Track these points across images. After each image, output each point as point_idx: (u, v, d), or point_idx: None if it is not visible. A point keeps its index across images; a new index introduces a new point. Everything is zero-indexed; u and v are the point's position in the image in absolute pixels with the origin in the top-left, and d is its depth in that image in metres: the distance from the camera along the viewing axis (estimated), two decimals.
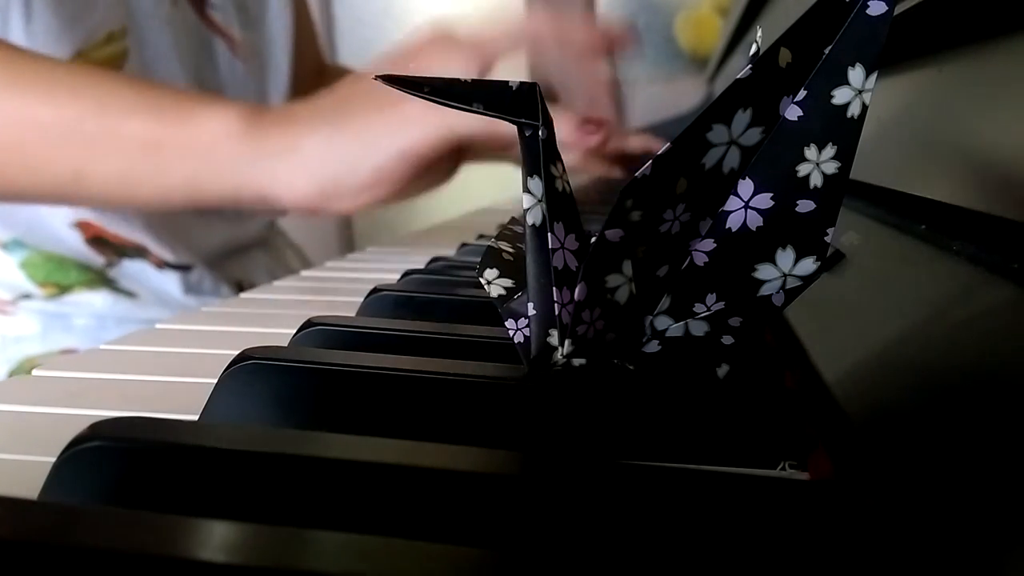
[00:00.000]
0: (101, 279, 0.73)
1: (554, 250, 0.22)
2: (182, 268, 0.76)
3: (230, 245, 0.81)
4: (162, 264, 0.75)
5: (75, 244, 0.72)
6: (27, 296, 0.72)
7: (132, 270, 0.74)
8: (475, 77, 0.18)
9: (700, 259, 0.21)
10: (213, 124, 0.50)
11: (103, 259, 0.73)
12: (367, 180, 0.51)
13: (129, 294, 0.74)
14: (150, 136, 0.50)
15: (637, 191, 0.20)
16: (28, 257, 0.71)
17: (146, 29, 0.70)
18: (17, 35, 0.63)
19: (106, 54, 0.67)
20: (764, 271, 0.21)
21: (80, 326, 0.73)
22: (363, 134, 0.50)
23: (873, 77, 0.19)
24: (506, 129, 0.45)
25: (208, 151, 0.50)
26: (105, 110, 0.50)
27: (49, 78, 0.51)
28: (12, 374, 0.71)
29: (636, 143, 0.77)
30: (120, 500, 0.16)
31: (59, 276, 0.71)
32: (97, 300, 0.72)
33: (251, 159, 0.51)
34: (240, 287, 0.79)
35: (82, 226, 0.71)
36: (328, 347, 0.28)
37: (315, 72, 0.93)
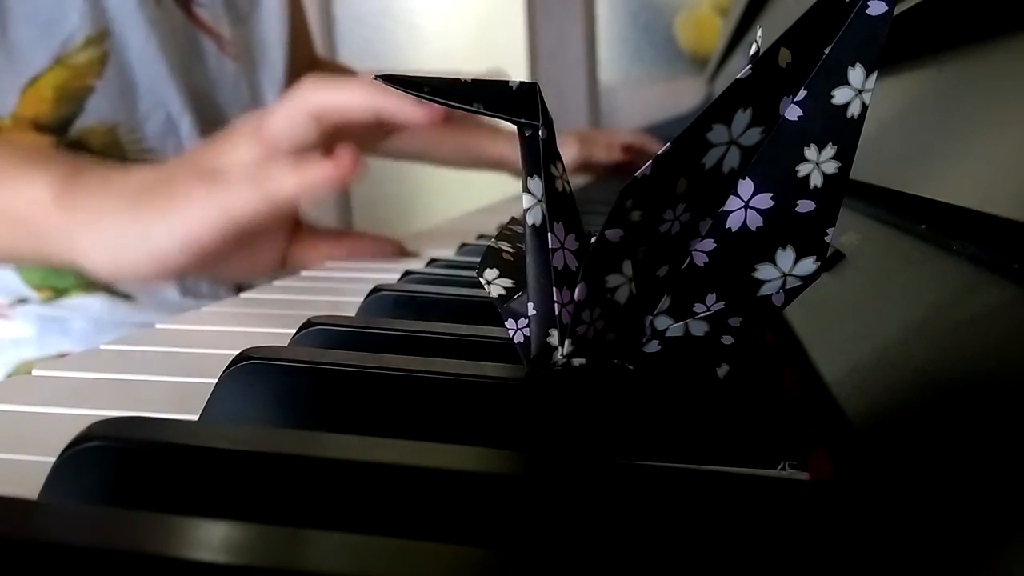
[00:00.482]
0: (97, 283, 0.72)
1: (554, 250, 0.22)
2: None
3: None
4: None
5: None
6: (23, 300, 0.71)
7: None
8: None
9: (700, 259, 0.21)
10: (28, 193, 0.52)
11: None
12: (148, 261, 0.52)
13: (126, 297, 0.74)
14: None
15: (637, 191, 0.20)
16: None
17: (128, 31, 0.70)
18: None
19: (85, 59, 0.67)
20: (764, 271, 0.21)
21: (77, 329, 0.72)
22: (147, 218, 0.52)
23: (873, 77, 0.19)
24: (285, 203, 0.49)
25: (24, 219, 0.53)
26: None
27: None
28: (8, 378, 0.71)
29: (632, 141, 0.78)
30: (120, 500, 0.16)
31: (55, 280, 0.71)
32: (94, 304, 0.72)
33: (60, 228, 0.53)
34: (239, 288, 0.79)
35: None
36: (328, 347, 0.28)
37: (308, 66, 0.92)
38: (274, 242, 0.59)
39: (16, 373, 0.71)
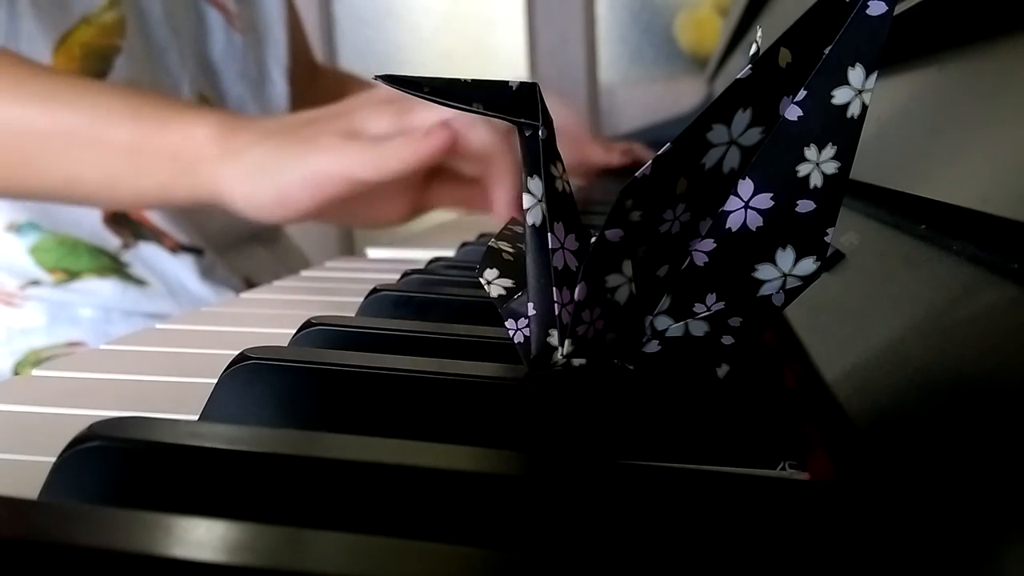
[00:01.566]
0: (112, 266, 0.73)
1: (554, 250, 0.22)
2: (196, 251, 0.76)
3: (235, 229, 0.82)
4: (176, 247, 0.75)
5: (93, 223, 0.72)
6: (35, 283, 0.72)
7: (147, 254, 0.74)
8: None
9: (700, 259, 0.21)
10: (186, 132, 0.55)
11: (119, 241, 0.73)
12: (277, 198, 0.54)
13: (140, 282, 0.74)
14: (132, 142, 0.55)
15: (637, 191, 0.20)
16: (39, 241, 0.71)
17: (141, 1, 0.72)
18: (23, 5, 0.64)
19: (109, 19, 0.69)
20: (764, 271, 0.21)
21: (87, 319, 0.73)
22: (284, 157, 0.54)
23: (873, 77, 0.19)
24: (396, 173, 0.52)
25: (178, 154, 0.55)
26: (95, 121, 0.55)
27: (47, 89, 0.56)
28: (17, 366, 0.71)
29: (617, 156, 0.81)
30: (120, 500, 0.16)
31: (69, 261, 0.72)
32: (105, 288, 0.72)
33: (210, 162, 0.55)
34: (249, 284, 0.79)
35: None
36: (328, 347, 0.28)
37: (308, 73, 0.93)
38: (399, 198, 0.61)
39: (25, 362, 0.71)
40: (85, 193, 0.59)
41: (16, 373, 0.71)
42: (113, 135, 0.55)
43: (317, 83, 0.94)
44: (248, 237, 0.85)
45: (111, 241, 0.73)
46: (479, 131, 0.56)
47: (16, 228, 0.71)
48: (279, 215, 0.55)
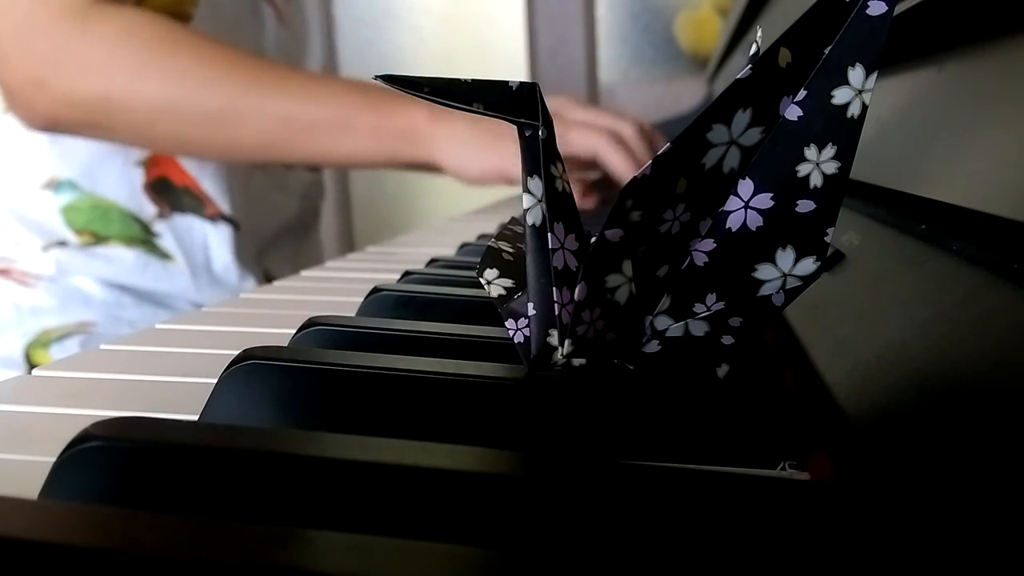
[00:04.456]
0: (141, 236, 0.75)
1: (554, 250, 0.22)
2: (234, 225, 0.78)
3: (281, 212, 0.86)
4: (217, 215, 0.77)
5: (132, 188, 0.74)
6: (61, 243, 0.73)
7: (180, 226, 0.77)
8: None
9: (700, 259, 0.21)
10: (408, 115, 0.74)
11: (155, 209, 0.75)
12: (471, 171, 0.76)
13: (164, 256, 0.76)
14: (374, 125, 0.74)
15: (637, 191, 0.20)
16: (74, 200, 0.73)
17: None
18: None
19: None
20: (764, 271, 0.21)
21: (98, 300, 0.74)
22: (480, 147, 0.75)
23: (873, 77, 0.19)
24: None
25: (403, 131, 0.75)
26: (345, 110, 0.73)
27: (302, 87, 0.73)
28: (29, 347, 0.72)
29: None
30: (120, 500, 0.16)
31: (99, 225, 0.74)
32: (128, 258, 0.75)
33: (430, 135, 0.75)
34: (268, 277, 0.81)
35: (149, 164, 0.75)
36: (328, 347, 0.28)
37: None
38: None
39: (36, 343, 0.72)
40: (336, 160, 0.79)
41: (27, 354, 0.72)
42: (359, 122, 0.74)
43: None
44: (281, 230, 0.88)
45: (147, 209, 0.75)
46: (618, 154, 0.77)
47: (55, 185, 0.73)
48: (471, 179, 0.77)
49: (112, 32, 0.67)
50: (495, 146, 0.75)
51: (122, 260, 0.75)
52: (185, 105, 0.69)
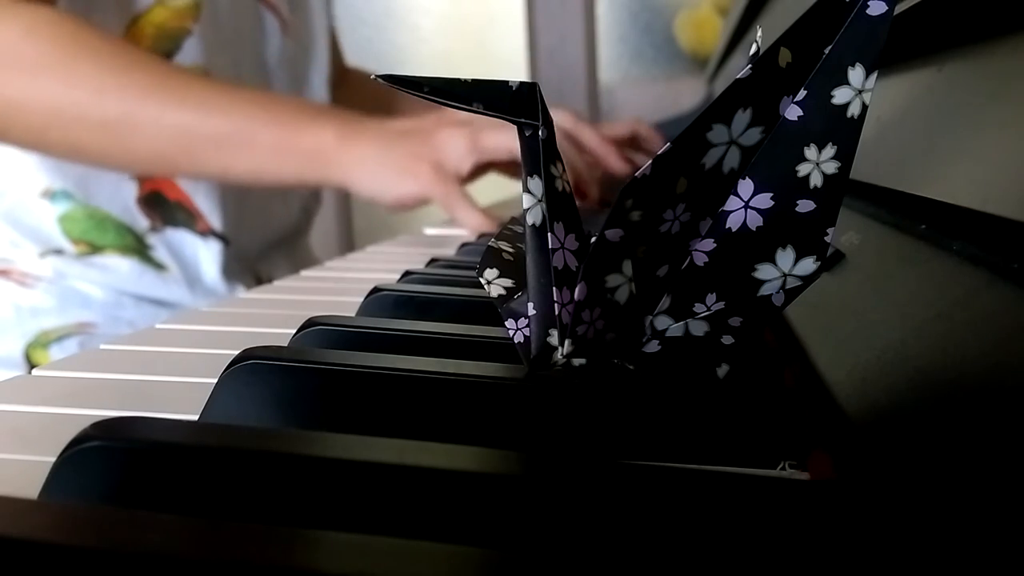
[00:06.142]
0: (136, 246, 0.75)
1: (554, 250, 0.22)
2: (223, 240, 0.78)
3: (270, 227, 0.86)
4: (207, 231, 0.77)
5: (126, 200, 0.74)
6: (57, 251, 0.73)
7: (173, 239, 0.76)
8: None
9: (700, 259, 0.21)
10: (317, 135, 0.69)
11: (148, 222, 0.75)
12: (383, 195, 0.71)
13: (159, 266, 0.76)
14: (277, 142, 0.69)
15: (637, 191, 0.20)
16: (70, 210, 0.73)
17: None
18: None
19: (183, 2, 0.74)
20: (764, 271, 0.21)
21: (98, 301, 0.74)
22: (390, 171, 0.70)
23: (873, 77, 0.19)
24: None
25: (312, 152, 0.69)
26: (248, 124, 0.69)
27: (204, 97, 0.68)
28: (29, 347, 0.72)
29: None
30: (120, 500, 0.16)
31: (95, 235, 0.74)
32: (124, 267, 0.75)
33: (339, 159, 0.69)
34: (259, 279, 0.81)
35: (143, 177, 0.75)
36: (328, 347, 0.28)
37: (339, 74, 0.97)
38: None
39: (36, 343, 0.72)
40: (232, 179, 0.73)
41: (27, 354, 0.72)
42: (261, 139, 0.69)
43: (348, 86, 1.00)
44: (276, 240, 0.87)
45: (140, 222, 0.75)
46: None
47: (51, 195, 0.73)
48: (391, 199, 0.72)
49: (13, 31, 0.64)
50: (410, 169, 0.69)
51: (118, 269, 0.74)
52: (79, 110, 0.65)
